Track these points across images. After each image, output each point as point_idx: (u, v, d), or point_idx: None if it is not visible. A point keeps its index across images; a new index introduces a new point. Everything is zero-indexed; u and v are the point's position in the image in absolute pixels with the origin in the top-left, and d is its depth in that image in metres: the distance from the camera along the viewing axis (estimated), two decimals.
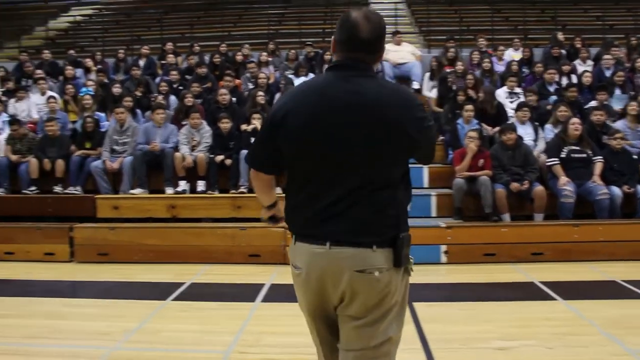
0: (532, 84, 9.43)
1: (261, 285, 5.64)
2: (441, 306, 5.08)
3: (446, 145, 8.19)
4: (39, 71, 10.74)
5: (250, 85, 9.94)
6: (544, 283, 5.56)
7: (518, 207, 7.09)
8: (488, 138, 7.93)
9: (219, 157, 7.76)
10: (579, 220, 6.77)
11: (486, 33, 12.41)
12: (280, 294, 5.25)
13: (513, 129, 7.38)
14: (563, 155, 7.20)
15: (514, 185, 6.96)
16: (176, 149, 7.90)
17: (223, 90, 8.80)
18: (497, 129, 7.88)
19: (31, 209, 7.70)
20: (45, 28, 15.98)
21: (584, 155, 7.21)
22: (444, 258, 6.56)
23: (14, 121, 8.51)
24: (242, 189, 7.52)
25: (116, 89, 9.45)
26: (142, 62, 11.40)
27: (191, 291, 5.63)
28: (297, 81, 9.54)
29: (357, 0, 15.05)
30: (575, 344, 4.01)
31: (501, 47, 11.15)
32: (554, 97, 9.04)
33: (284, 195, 2.19)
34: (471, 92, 8.83)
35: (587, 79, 9.27)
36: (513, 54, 11.05)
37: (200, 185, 7.72)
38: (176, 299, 5.33)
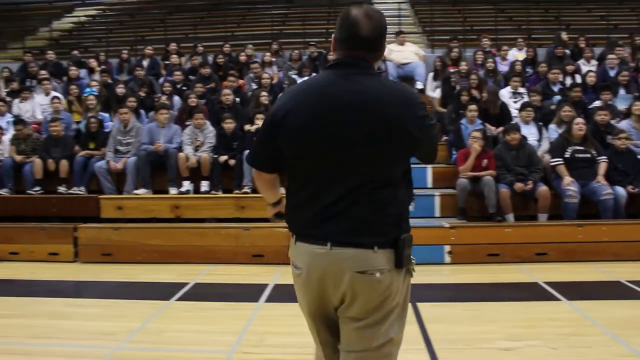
0: (536, 84, 9.42)
1: (265, 286, 5.64)
2: (445, 306, 5.07)
3: (450, 145, 8.18)
4: (43, 72, 10.78)
5: (254, 86, 9.95)
6: (548, 283, 5.55)
7: (522, 207, 7.08)
8: (492, 138, 7.92)
9: (223, 158, 7.77)
10: (583, 221, 6.75)
11: (490, 33, 12.40)
12: (283, 294, 5.25)
13: (517, 129, 7.37)
14: (567, 155, 7.18)
15: (518, 186, 6.95)
16: (180, 149, 7.91)
17: (227, 91, 8.80)
18: (500, 129, 7.87)
19: (35, 209, 7.72)
20: (49, 29, 16.04)
21: (588, 155, 7.19)
22: (447, 258, 6.54)
23: (18, 121, 8.53)
24: (245, 189, 7.53)
25: (120, 90, 9.46)
26: (145, 63, 11.42)
27: (195, 291, 5.63)
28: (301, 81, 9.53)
29: (361, 0, 15.04)
30: (579, 345, 3.99)
31: (505, 47, 11.13)
32: (557, 97, 9.02)
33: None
34: (475, 92, 8.82)
35: (591, 79, 9.24)
36: (517, 54, 11.04)
37: (204, 185, 7.73)
38: (180, 299, 5.33)
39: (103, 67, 11.14)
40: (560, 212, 6.97)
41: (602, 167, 7.10)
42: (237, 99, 9.09)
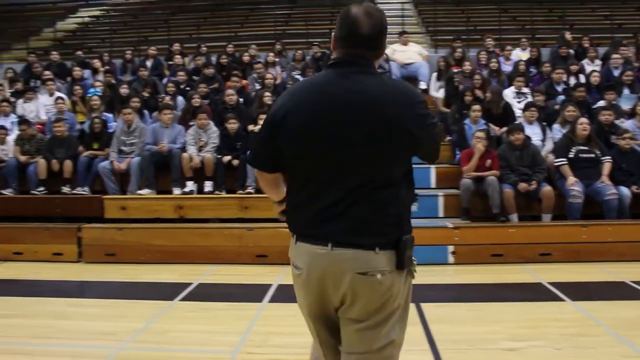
0: (540, 84, 9.38)
1: (268, 286, 5.64)
2: (449, 307, 5.07)
3: (453, 145, 8.18)
4: (47, 72, 10.80)
5: (257, 86, 9.95)
6: (552, 284, 5.53)
7: (526, 208, 7.07)
8: (495, 138, 7.90)
9: (227, 158, 7.77)
10: (588, 221, 6.73)
11: (493, 33, 12.37)
12: (287, 294, 5.19)
13: (521, 129, 7.35)
14: (571, 155, 7.16)
15: (522, 186, 6.93)
16: (183, 149, 7.92)
17: (230, 91, 8.81)
18: (504, 129, 7.86)
19: (39, 209, 7.74)
20: (53, 29, 16.07)
21: (592, 155, 7.17)
22: (451, 259, 6.53)
23: (22, 122, 8.56)
24: (249, 190, 7.53)
25: (124, 90, 9.47)
26: (149, 63, 11.43)
27: (198, 291, 5.63)
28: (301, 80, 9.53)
29: None
30: (584, 345, 3.98)
31: (508, 47, 11.11)
32: (561, 97, 8.99)
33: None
34: (478, 92, 8.81)
35: (595, 79, 9.22)
36: (520, 54, 11.01)
37: (208, 185, 7.73)
38: (183, 299, 5.34)
39: (107, 67, 11.15)
40: (564, 212, 6.95)
41: (606, 167, 7.08)
42: (241, 99, 9.09)
